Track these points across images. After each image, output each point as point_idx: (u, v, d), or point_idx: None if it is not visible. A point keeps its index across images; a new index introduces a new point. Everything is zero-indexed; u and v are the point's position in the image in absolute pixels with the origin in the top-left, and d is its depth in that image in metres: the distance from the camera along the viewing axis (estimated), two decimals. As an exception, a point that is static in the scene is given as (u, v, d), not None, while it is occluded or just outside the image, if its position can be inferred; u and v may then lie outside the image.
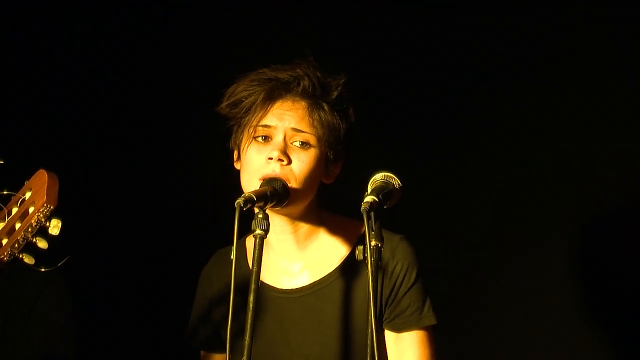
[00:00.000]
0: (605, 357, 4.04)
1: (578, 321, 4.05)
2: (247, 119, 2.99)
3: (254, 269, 2.74)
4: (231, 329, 2.67)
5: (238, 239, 2.68)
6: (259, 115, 2.98)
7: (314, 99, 3.00)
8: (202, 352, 3.22)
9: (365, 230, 2.69)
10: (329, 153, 3.00)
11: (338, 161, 3.05)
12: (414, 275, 3.03)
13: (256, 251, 2.75)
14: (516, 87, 4.15)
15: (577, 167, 4.07)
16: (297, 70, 3.01)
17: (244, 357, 2.69)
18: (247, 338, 2.70)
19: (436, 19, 4.19)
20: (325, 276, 3.06)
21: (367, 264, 2.70)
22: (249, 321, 2.71)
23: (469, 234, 4.17)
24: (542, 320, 4.07)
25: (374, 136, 4.08)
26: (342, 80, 3.03)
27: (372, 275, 2.67)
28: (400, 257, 3.03)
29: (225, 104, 3.03)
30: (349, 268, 3.02)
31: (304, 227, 3.05)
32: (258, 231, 2.76)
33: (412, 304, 3.03)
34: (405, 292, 3.03)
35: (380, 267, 2.95)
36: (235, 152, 3.06)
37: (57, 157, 4.06)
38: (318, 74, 3.01)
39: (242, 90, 3.01)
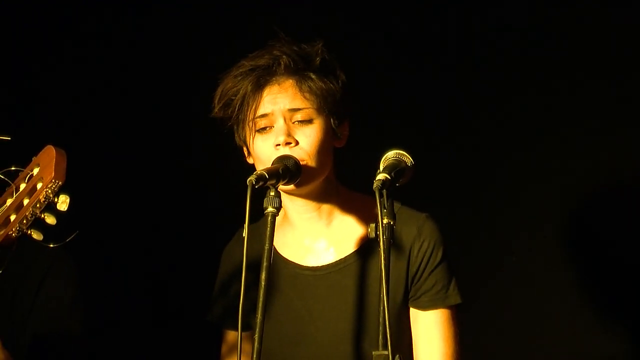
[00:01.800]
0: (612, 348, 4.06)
1: (586, 313, 4.07)
2: (242, 114, 2.99)
3: (266, 247, 2.75)
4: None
5: (252, 216, 2.68)
6: (253, 107, 2.97)
7: (299, 72, 2.98)
8: (224, 330, 3.22)
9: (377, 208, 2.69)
10: (332, 119, 3.00)
11: (343, 122, 3.05)
12: (440, 253, 3.04)
13: (268, 229, 2.76)
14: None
15: (583, 157, 4.08)
16: (274, 52, 2.99)
17: (256, 335, 2.71)
18: (258, 316, 2.72)
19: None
20: (350, 254, 3.06)
21: (379, 241, 2.69)
22: (261, 299, 2.73)
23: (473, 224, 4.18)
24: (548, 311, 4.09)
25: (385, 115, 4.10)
26: (320, 45, 3.02)
27: (384, 252, 2.67)
28: (427, 235, 3.04)
29: (217, 107, 3.03)
30: (373, 245, 3.01)
31: (327, 204, 3.06)
32: (270, 209, 2.76)
33: (438, 282, 3.04)
34: (432, 271, 3.04)
35: (404, 245, 3.03)
36: (244, 149, 3.07)
37: (64, 133, 4.03)
38: (295, 48, 3.00)
39: (229, 88, 3.00)
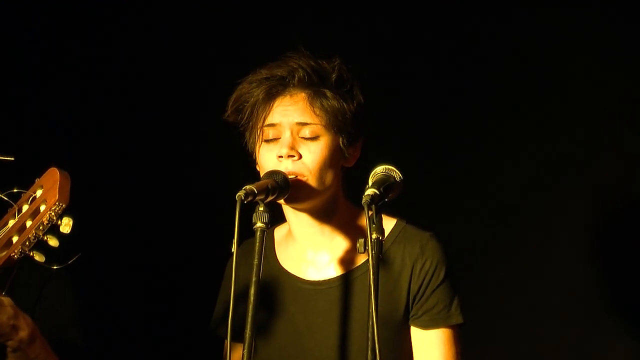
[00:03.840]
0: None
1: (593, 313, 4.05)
2: (252, 122, 3.00)
3: (255, 262, 2.75)
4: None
5: (240, 232, 2.68)
6: (263, 115, 2.98)
7: (313, 87, 2.98)
8: (225, 342, 3.21)
9: (366, 223, 2.70)
10: (341, 138, 2.99)
11: (354, 144, 3.03)
12: (442, 273, 3.02)
13: (257, 244, 2.76)
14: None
15: (590, 160, 4.06)
16: (290, 64, 3.00)
17: (244, 350, 2.71)
18: (247, 331, 2.72)
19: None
20: (352, 269, 3.05)
21: (368, 257, 2.70)
22: (250, 313, 2.73)
23: (475, 228, 4.18)
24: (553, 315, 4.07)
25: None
26: (337, 62, 3.02)
27: (372, 268, 2.68)
28: (430, 254, 3.02)
29: (230, 110, 3.05)
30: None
31: (331, 219, 3.05)
32: (259, 224, 2.76)
33: (440, 302, 3.01)
34: (434, 290, 3.01)
35: (407, 264, 3.01)
36: (254, 155, 3.08)
37: (67, 155, 4.08)
38: (312, 63, 3.01)
39: (242, 94, 3.02)
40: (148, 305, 4.29)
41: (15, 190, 2.63)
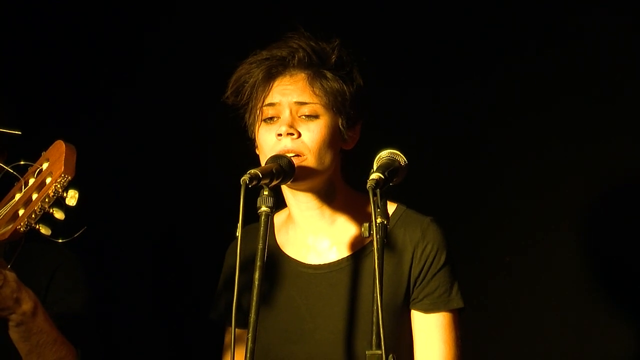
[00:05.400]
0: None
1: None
2: (252, 102, 3.01)
3: (259, 246, 2.76)
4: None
5: (246, 216, 2.68)
6: (262, 95, 2.99)
7: (313, 68, 2.99)
8: (226, 328, 3.22)
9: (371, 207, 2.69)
10: (340, 119, 2.99)
11: (353, 126, 3.04)
12: (443, 257, 3.03)
13: (262, 228, 2.76)
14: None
15: (588, 162, 4.07)
16: (290, 44, 3.01)
17: (249, 334, 2.70)
18: (252, 315, 2.72)
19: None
20: (352, 253, 3.06)
21: (373, 240, 2.70)
22: (255, 298, 2.73)
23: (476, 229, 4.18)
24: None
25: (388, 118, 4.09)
26: (337, 43, 3.03)
27: (377, 252, 2.68)
28: (431, 238, 3.03)
29: (229, 92, 3.05)
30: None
31: (330, 203, 3.05)
32: (263, 208, 2.77)
33: (440, 286, 3.02)
34: (435, 274, 3.02)
35: (408, 248, 3.01)
36: (252, 135, 3.07)
37: (73, 128, 4.06)
38: (312, 43, 3.01)
39: (242, 74, 3.02)
40: (154, 288, 4.31)
41: (22, 163, 2.64)
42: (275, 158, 2.88)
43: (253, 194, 2.76)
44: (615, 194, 4.05)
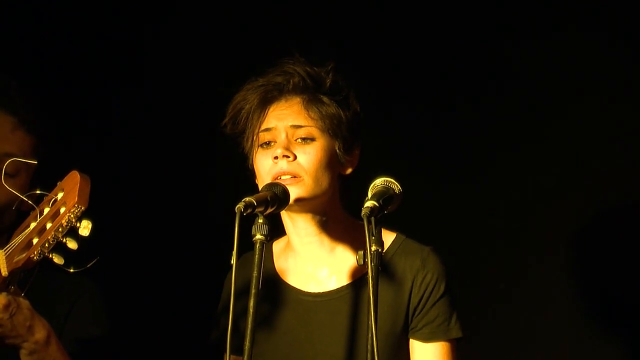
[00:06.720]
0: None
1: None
2: (249, 129, 3.03)
3: (254, 274, 2.75)
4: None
5: (239, 244, 2.68)
6: (259, 121, 3.01)
7: (308, 92, 3.01)
8: (224, 356, 3.22)
9: (366, 235, 2.70)
10: (337, 142, 3.00)
11: (350, 151, 3.05)
12: (443, 286, 3.03)
13: (256, 256, 2.76)
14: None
15: (586, 172, 4.07)
16: (286, 69, 3.03)
17: (244, 361, 2.70)
18: (247, 342, 2.72)
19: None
20: (352, 282, 3.06)
21: (367, 269, 2.71)
22: (249, 326, 2.73)
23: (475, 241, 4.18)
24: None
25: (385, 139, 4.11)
26: (331, 67, 3.04)
27: (372, 280, 2.69)
28: (431, 267, 3.03)
29: (227, 120, 3.07)
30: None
31: (329, 230, 3.05)
32: (258, 236, 2.77)
33: (440, 315, 3.03)
34: (434, 303, 3.03)
35: (407, 277, 3.02)
36: (250, 162, 3.09)
37: (89, 159, 4.06)
38: (307, 68, 3.03)
39: (238, 102, 3.05)
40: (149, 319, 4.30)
41: (37, 192, 2.68)
42: (271, 186, 2.89)
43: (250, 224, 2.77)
44: (611, 220, 4.04)
